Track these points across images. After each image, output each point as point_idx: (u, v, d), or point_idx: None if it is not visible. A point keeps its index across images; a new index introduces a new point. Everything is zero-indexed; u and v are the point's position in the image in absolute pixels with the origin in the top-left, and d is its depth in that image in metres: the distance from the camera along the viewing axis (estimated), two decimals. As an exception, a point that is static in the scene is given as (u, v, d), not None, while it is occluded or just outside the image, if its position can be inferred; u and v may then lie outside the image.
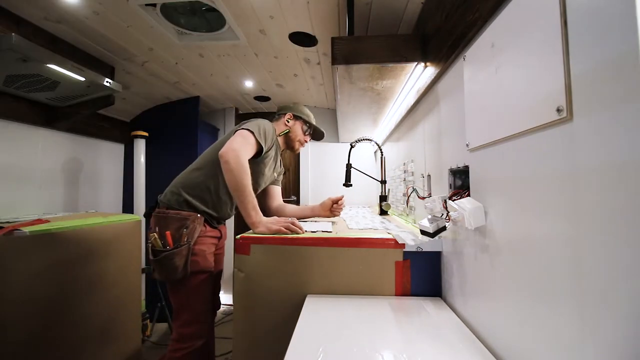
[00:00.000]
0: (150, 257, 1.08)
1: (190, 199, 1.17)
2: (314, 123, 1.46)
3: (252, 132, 1.14)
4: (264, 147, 1.17)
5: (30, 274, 1.17)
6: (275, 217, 1.06)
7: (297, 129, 1.42)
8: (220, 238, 1.29)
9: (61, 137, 2.00)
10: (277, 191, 1.52)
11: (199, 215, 1.15)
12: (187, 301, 1.11)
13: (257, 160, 1.20)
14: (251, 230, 1.06)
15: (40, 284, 1.20)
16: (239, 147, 1.07)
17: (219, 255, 1.35)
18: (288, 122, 1.41)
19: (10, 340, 1.11)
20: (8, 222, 1.27)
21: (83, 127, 2.14)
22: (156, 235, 1.09)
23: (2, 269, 1.11)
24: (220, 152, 1.06)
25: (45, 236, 1.23)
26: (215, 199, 1.20)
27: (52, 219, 1.43)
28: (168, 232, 1.09)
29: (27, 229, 1.17)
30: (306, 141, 1.47)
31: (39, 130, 1.84)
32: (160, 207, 1.19)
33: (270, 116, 1.45)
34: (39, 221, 1.33)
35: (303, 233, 0.99)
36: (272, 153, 1.30)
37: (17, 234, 1.15)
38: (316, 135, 1.50)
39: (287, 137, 1.42)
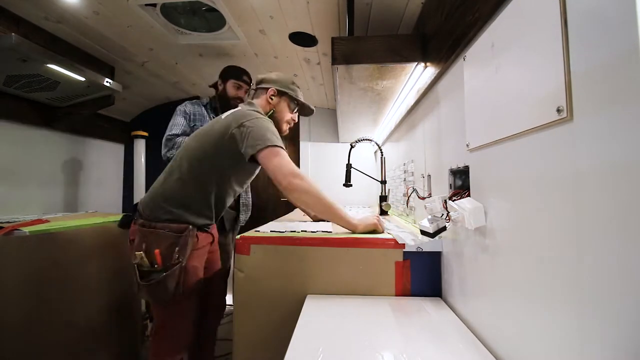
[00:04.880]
0: (138, 280, 0.96)
1: (177, 210, 1.02)
2: (301, 98, 1.22)
3: (278, 145, 1.00)
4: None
5: (30, 274, 1.17)
6: (367, 215, 1.05)
7: (284, 107, 1.19)
8: (212, 241, 1.19)
9: (61, 137, 1.99)
10: None
11: (190, 227, 1.01)
12: (171, 321, 1.03)
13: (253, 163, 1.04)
14: (251, 230, 1.06)
15: (40, 284, 1.20)
16: (289, 169, 0.97)
17: (213, 254, 1.25)
18: (272, 99, 1.17)
19: (10, 340, 1.11)
20: (8, 222, 1.27)
21: (83, 127, 2.14)
22: (143, 254, 0.96)
23: (1, 269, 1.11)
24: (282, 186, 0.97)
25: (45, 236, 1.23)
26: (205, 207, 1.06)
27: (52, 219, 1.43)
28: (157, 251, 0.96)
29: (27, 229, 1.17)
30: (294, 120, 1.24)
31: (39, 130, 1.84)
32: (144, 219, 1.03)
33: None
34: (39, 221, 1.33)
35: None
36: None
37: (17, 234, 1.15)
38: (304, 110, 1.27)
39: (272, 117, 1.17)
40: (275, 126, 1.16)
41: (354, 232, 0.99)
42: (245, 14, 1.39)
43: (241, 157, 1.02)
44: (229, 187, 1.11)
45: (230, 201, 1.17)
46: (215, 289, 1.29)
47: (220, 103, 1.64)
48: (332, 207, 0.99)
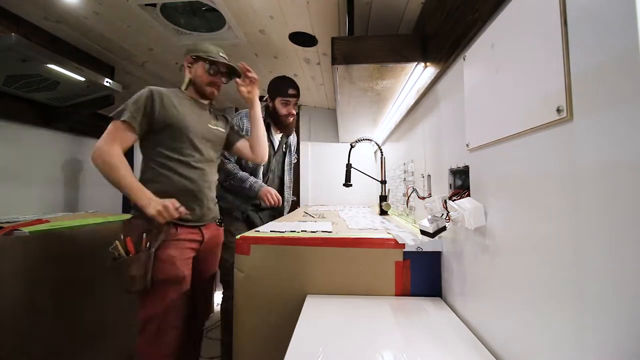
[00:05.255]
0: (109, 263, 0.99)
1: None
2: (220, 57, 1.18)
3: (120, 119, 1.03)
4: (135, 125, 1.03)
5: (30, 274, 1.17)
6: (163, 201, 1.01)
7: (201, 71, 1.17)
8: (201, 242, 1.16)
9: (61, 137, 1.99)
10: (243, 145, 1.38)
11: None
12: (157, 313, 1.01)
13: (158, 129, 1.08)
14: (252, 230, 1.06)
15: (40, 284, 1.20)
16: (103, 144, 1.01)
17: (210, 256, 1.24)
18: (190, 67, 1.18)
19: (10, 340, 1.11)
20: (8, 222, 1.27)
21: (83, 127, 2.14)
22: (118, 243, 0.99)
23: (2, 269, 1.11)
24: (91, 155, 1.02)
25: (45, 236, 1.23)
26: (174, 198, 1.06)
27: (52, 219, 1.43)
28: (128, 238, 0.99)
29: (27, 229, 1.17)
30: (217, 83, 1.20)
31: (39, 130, 1.84)
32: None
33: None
34: (39, 221, 1.33)
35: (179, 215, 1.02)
36: (173, 116, 1.10)
37: (17, 234, 1.15)
38: (218, 65, 1.19)
39: (195, 86, 1.19)
40: (200, 92, 1.20)
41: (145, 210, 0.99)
42: (245, 14, 1.39)
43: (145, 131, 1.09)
44: (170, 162, 1.11)
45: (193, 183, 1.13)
46: (201, 290, 1.24)
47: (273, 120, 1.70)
48: (121, 187, 1.00)
